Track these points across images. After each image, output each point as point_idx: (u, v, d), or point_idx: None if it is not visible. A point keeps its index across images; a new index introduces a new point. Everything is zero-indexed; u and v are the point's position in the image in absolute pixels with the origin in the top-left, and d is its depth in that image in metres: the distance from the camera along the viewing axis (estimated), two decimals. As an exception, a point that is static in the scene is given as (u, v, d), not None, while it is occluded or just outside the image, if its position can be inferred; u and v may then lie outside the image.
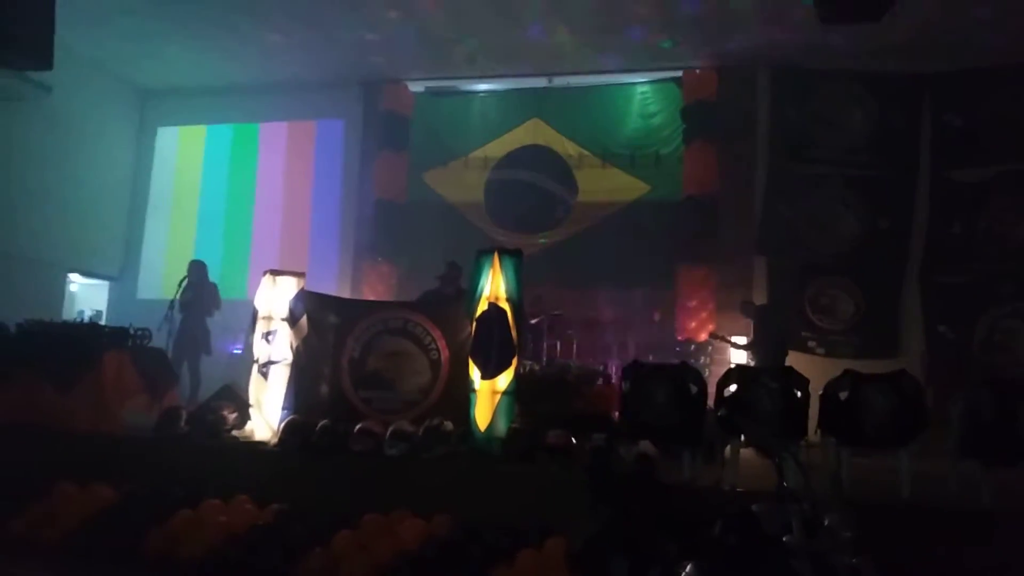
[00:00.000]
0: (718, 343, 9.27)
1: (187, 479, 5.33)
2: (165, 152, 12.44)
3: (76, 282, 11.93)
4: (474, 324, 6.12)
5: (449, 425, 5.80)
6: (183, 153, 12.38)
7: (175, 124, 12.42)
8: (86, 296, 12.01)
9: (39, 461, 5.51)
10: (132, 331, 6.95)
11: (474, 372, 6.02)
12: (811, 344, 9.61)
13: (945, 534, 4.40)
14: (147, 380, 6.83)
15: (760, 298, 9.55)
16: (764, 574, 3.69)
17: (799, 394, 5.17)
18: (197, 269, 8.74)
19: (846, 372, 5.35)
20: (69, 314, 10.15)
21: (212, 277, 8.97)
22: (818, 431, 5.32)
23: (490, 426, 5.88)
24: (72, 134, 10.99)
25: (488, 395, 5.94)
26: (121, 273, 12.11)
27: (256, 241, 11.77)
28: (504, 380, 5.97)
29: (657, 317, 10.13)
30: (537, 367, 7.77)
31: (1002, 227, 9.21)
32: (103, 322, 8.56)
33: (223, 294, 8.87)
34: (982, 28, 8.69)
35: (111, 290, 12.14)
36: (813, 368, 5.85)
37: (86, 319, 7.92)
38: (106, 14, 9.65)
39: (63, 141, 10.82)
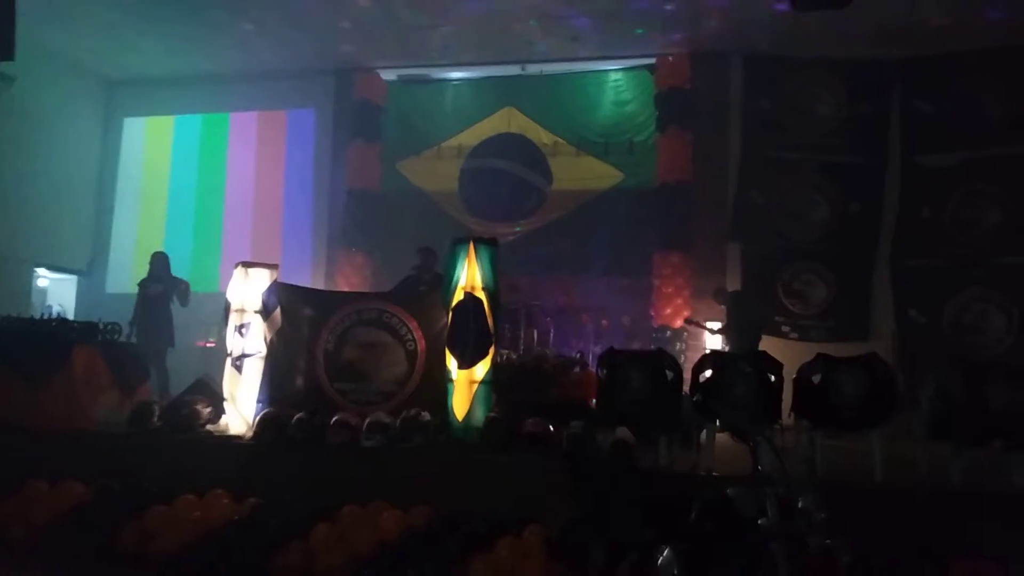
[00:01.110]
0: (693, 329, 9.35)
1: (161, 474, 5.26)
2: (132, 143, 12.23)
3: (44, 277, 11.71)
4: (450, 314, 6.10)
5: (426, 415, 5.78)
6: (151, 144, 12.17)
7: (142, 115, 12.21)
8: (55, 291, 11.79)
9: (9, 458, 5.40)
10: (102, 326, 6.84)
11: (451, 362, 6.00)
12: (784, 328, 9.74)
13: (916, 514, 4.48)
14: (118, 375, 6.72)
15: (734, 284, 9.65)
16: (740, 557, 3.73)
17: (773, 378, 5.21)
18: (160, 262, 8.61)
19: (818, 356, 5.41)
20: (38, 310, 9.96)
21: (183, 269, 8.84)
22: (792, 414, 5.37)
23: (468, 416, 5.87)
24: (36, 125, 10.75)
25: (465, 385, 5.93)
26: (89, 267, 11.89)
27: (227, 233, 11.63)
28: (481, 369, 5.95)
29: (633, 304, 10.18)
30: (514, 356, 7.77)
31: (970, 212, 9.37)
32: (69, 317, 8.40)
33: (194, 286, 8.74)
34: (949, 14, 8.77)
35: (80, 285, 11.92)
36: (786, 352, 5.91)
37: (53, 315, 7.77)
38: (69, 3, 9.45)
39: (27, 133, 10.59)
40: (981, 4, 8.59)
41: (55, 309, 9.16)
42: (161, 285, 8.41)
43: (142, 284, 8.46)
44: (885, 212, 9.76)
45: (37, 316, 7.30)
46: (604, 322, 9.91)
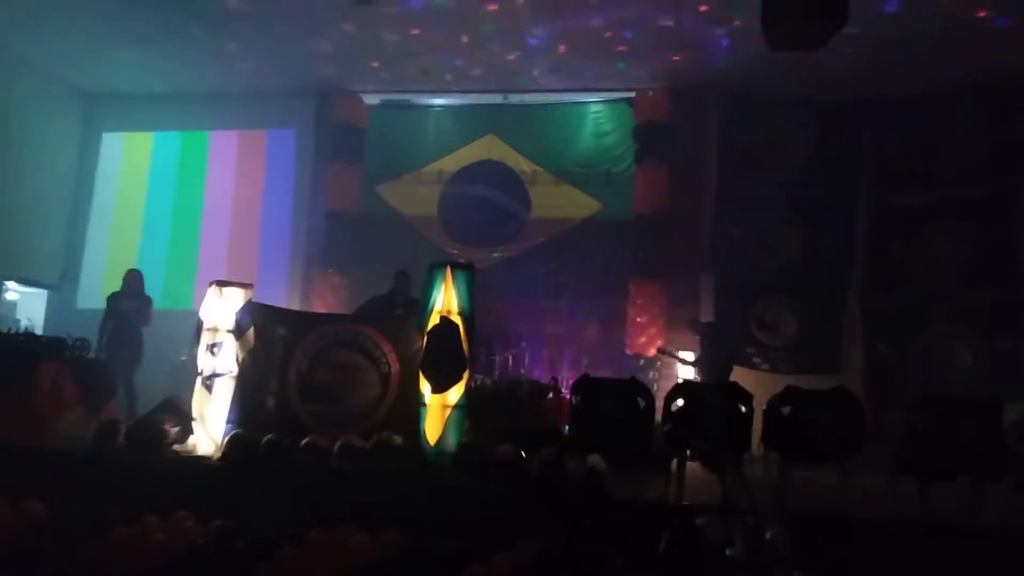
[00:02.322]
0: (666, 359, 9.41)
1: (125, 495, 5.14)
2: (110, 158, 12.10)
3: (13, 291, 11.50)
4: (425, 337, 6.10)
5: (398, 439, 5.74)
6: (129, 160, 12.06)
7: (121, 130, 12.10)
8: (24, 305, 11.58)
9: (-33, 476, 5.27)
10: (70, 341, 6.74)
11: (424, 386, 5.99)
12: (756, 360, 9.83)
13: (884, 548, 4.52)
14: (85, 392, 6.62)
15: (708, 315, 9.74)
16: (708, 587, 3.75)
17: (743, 409, 5.28)
18: (135, 279, 8.54)
19: (788, 388, 5.48)
20: (5, 324, 9.78)
21: (156, 287, 8.77)
22: (761, 445, 5.42)
23: (440, 440, 5.86)
24: (12, 138, 10.63)
25: (438, 409, 5.92)
26: (60, 282, 11.71)
27: (204, 251, 11.52)
28: (455, 394, 5.96)
29: (607, 332, 10.23)
30: (488, 381, 7.76)
31: (938, 249, 9.56)
32: (36, 331, 8.26)
33: (167, 304, 8.67)
34: (915, 58, 9.03)
35: (50, 299, 11.73)
36: (757, 384, 5.99)
37: (21, 329, 7.66)
38: (47, 15, 9.39)
39: (2, 145, 10.45)
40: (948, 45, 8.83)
41: (23, 323, 9.00)
42: (133, 302, 8.34)
43: (112, 298, 8.37)
44: (856, 247, 9.94)
45: (4, 330, 7.17)
46: (578, 349, 9.95)
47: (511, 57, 10.03)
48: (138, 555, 4.51)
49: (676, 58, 9.87)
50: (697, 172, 10.44)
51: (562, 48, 9.73)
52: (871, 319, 9.69)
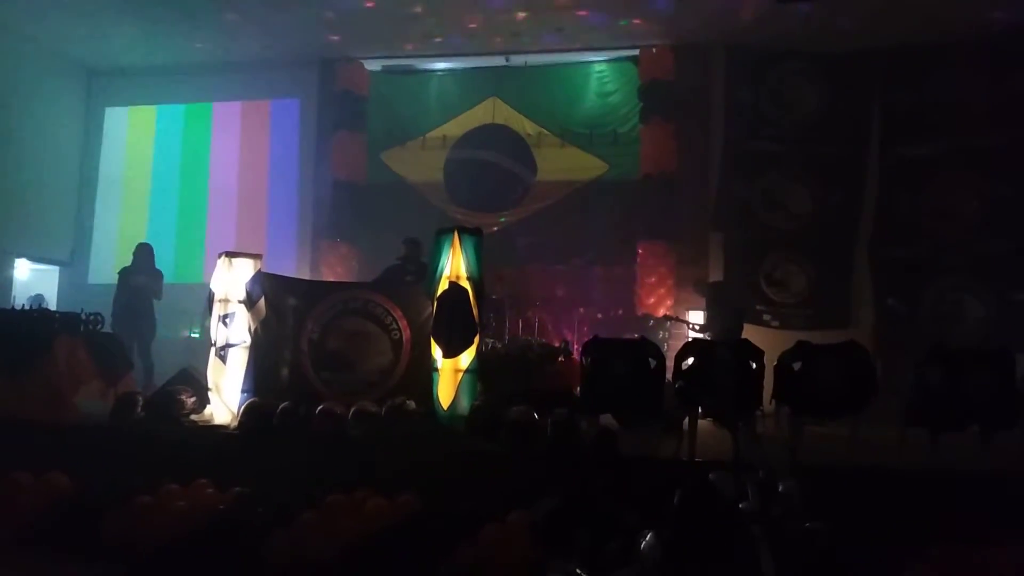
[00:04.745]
0: (675, 321, 9.42)
1: (145, 465, 5.24)
2: (114, 133, 12.07)
3: (25, 268, 11.59)
4: (435, 303, 6.13)
5: (412, 404, 5.82)
6: (133, 134, 12.04)
7: (124, 104, 12.05)
8: (36, 282, 11.67)
9: (-9, 451, 5.38)
10: (84, 316, 6.80)
11: (436, 351, 6.04)
12: (766, 317, 9.82)
13: (895, 498, 4.56)
14: (101, 366, 6.70)
15: (717, 273, 9.74)
16: (722, 541, 3.80)
17: (754, 366, 5.28)
18: (144, 252, 8.60)
19: (799, 343, 5.48)
20: (19, 301, 9.88)
21: (166, 260, 8.82)
22: (772, 401, 5.44)
23: (453, 404, 5.92)
24: (16, 115, 10.61)
25: (450, 374, 5.97)
26: (71, 258, 11.79)
27: (211, 223, 11.54)
28: (466, 358, 6.00)
29: (616, 293, 10.24)
30: (499, 345, 7.80)
31: (947, 201, 9.48)
32: (47, 307, 8.35)
33: (178, 277, 8.73)
34: (924, 7, 8.85)
35: (61, 275, 11.82)
36: (768, 340, 5.98)
37: (28, 305, 7.73)
38: (47, -10, 9.33)
39: (6, 122, 10.44)
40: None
41: (27, 299, 9.07)
42: (144, 276, 8.40)
43: (123, 272, 8.43)
44: (865, 202, 9.86)
45: (19, 307, 7.24)
46: (588, 311, 9.97)
47: (512, 17, 9.87)
48: (161, 522, 4.60)
49: (680, 13, 9.68)
50: (704, 129, 10.32)
51: (563, 6, 9.57)
52: (881, 273, 9.65)
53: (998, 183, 9.29)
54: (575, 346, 8.39)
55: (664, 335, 9.53)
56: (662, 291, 9.95)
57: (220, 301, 6.51)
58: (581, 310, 9.88)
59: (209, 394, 6.41)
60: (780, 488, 3.96)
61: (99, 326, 6.96)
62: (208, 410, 6.39)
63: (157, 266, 8.66)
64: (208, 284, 6.69)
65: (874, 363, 5.41)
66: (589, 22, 9.99)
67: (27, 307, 7.18)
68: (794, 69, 10.09)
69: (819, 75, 10.01)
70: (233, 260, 6.59)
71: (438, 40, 10.58)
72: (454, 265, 6.11)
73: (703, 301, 9.05)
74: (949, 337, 8.91)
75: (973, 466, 4.88)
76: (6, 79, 10.04)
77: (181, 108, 11.93)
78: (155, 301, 8.50)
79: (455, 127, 11.17)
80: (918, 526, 4.22)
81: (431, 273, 6.27)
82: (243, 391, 6.37)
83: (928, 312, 9.34)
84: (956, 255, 9.37)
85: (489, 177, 10.94)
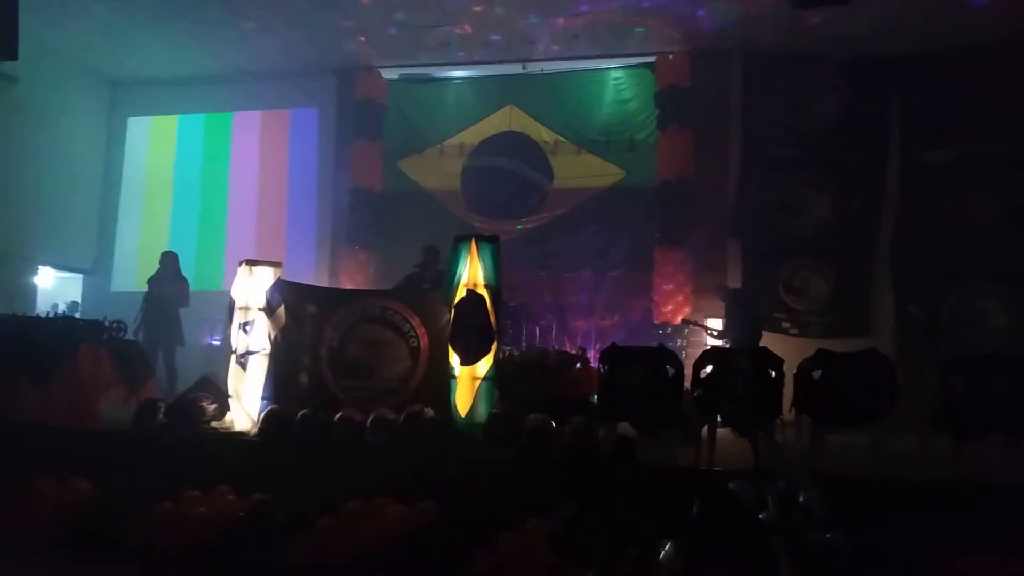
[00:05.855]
0: (693, 326, 9.39)
1: (167, 471, 5.30)
2: (137, 143, 12.27)
3: (50, 276, 11.76)
4: (453, 311, 6.14)
5: (430, 411, 5.82)
6: (155, 143, 12.22)
7: (146, 114, 12.25)
8: (60, 290, 11.85)
9: (16, 456, 5.44)
10: (107, 324, 6.89)
11: (454, 358, 6.05)
12: (785, 325, 9.76)
13: (917, 508, 4.50)
14: (123, 373, 6.78)
15: (735, 280, 9.69)
16: (741, 551, 3.77)
17: (773, 374, 5.24)
18: (170, 260, 8.70)
19: (819, 351, 5.44)
20: (43, 308, 10.02)
21: (188, 268, 8.92)
22: (792, 409, 5.40)
23: (471, 412, 5.92)
24: (40, 125, 10.79)
25: (468, 381, 5.98)
26: (95, 266, 11.95)
27: (231, 231, 11.69)
28: (484, 366, 6.00)
29: (634, 300, 10.22)
30: (516, 352, 7.80)
31: (968, 207, 9.38)
32: (79, 314, 8.47)
33: (199, 285, 8.81)
34: (943, 12, 8.79)
35: (85, 283, 11.99)
36: (787, 348, 5.94)
37: (60, 312, 7.84)
38: (72, 2, 9.48)
39: (31, 133, 10.63)
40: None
41: (61, 306, 9.21)
42: (170, 284, 8.49)
43: (151, 282, 8.52)
44: (885, 208, 9.78)
45: (43, 315, 7.35)
46: (605, 318, 9.96)
47: (529, 25, 9.91)
48: (182, 528, 4.65)
49: (697, 20, 9.67)
50: (721, 136, 10.29)
51: (580, 14, 9.59)
52: (901, 280, 9.56)
53: (1019, 187, 9.18)
54: (592, 353, 8.37)
55: (682, 343, 9.51)
56: (680, 298, 9.91)
57: (240, 309, 6.57)
58: (598, 317, 9.86)
59: (229, 401, 6.46)
60: (800, 498, 3.92)
61: (122, 333, 7.04)
62: (228, 417, 6.43)
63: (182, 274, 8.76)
64: (229, 292, 6.75)
65: (895, 371, 5.36)
66: (606, 29, 10.00)
67: (64, 313, 7.25)
68: (812, 74, 10.04)
69: (837, 80, 9.95)
70: (253, 268, 6.65)
71: (455, 48, 10.64)
72: (471, 272, 6.13)
73: (721, 309, 9.00)
74: (971, 344, 8.81)
75: (995, 476, 4.80)
76: (31, 90, 10.21)
77: (202, 118, 12.10)
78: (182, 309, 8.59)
79: (472, 135, 11.22)
80: (941, 536, 4.16)
81: (448, 280, 6.29)
82: (263, 398, 6.42)
83: (949, 319, 9.24)
84: (977, 261, 9.27)
85: (506, 184, 10.98)
